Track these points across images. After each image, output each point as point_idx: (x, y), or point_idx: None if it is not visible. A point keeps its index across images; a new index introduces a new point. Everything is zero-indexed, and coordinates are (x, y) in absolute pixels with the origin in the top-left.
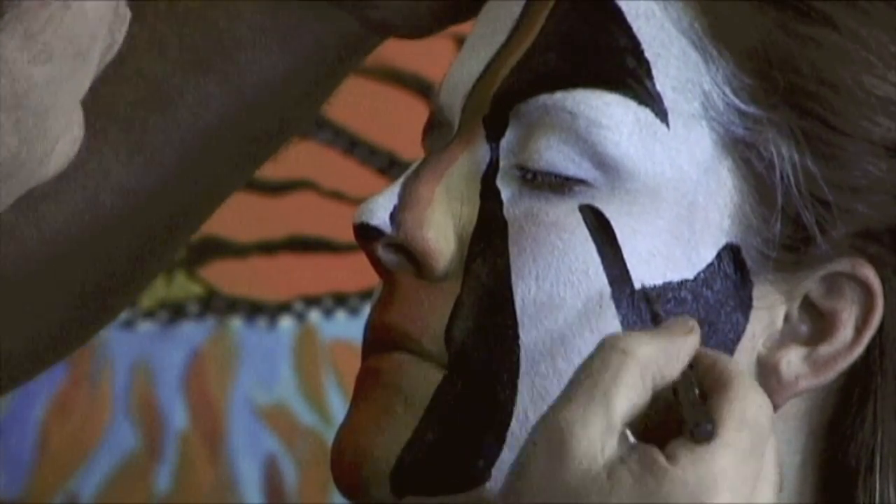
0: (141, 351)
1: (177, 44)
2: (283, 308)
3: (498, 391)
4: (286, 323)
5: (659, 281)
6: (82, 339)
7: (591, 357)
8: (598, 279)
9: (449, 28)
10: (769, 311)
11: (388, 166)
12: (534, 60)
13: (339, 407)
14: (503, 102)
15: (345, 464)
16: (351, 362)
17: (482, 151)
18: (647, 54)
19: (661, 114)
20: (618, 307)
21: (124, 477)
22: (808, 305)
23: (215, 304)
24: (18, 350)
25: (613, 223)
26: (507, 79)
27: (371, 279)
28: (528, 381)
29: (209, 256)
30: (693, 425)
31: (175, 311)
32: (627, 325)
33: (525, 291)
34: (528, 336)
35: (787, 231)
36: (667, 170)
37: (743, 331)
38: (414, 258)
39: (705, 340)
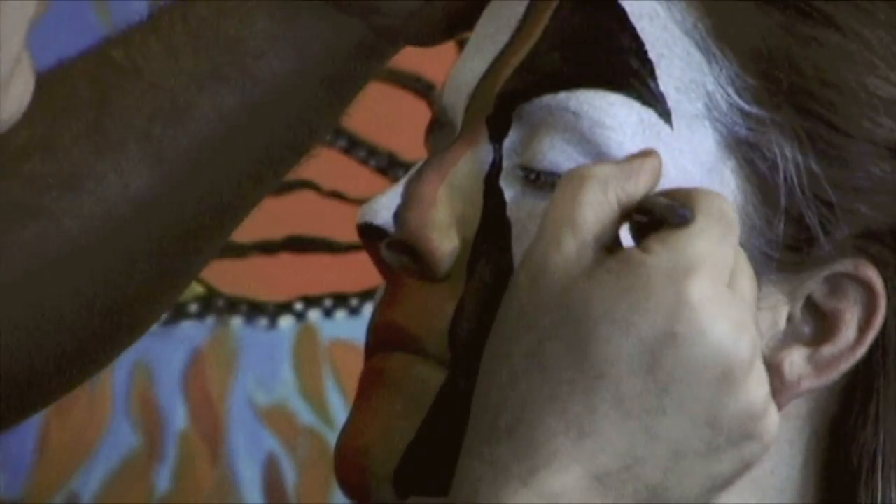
0: (141, 351)
1: (191, 54)
2: (283, 308)
3: None
4: (286, 323)
5: None
6: (107, 356)
7: (556, 188)
8: None
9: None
10: (772, 312)
11: (388, 166)
12: (537, 61)
13: (339, 407)
14: (506, 103)
15: (348, 464)
16: (351, 362)
17: (485, 151)
18: (651, 55)
19: (665, 114)
20: None
21: (124, 477)
22: (810, 306)
23: (215, 304)
24: (44, 367)
25: None
26: (511, 79)
27: (371, 279)
28: None
29: None
30: (669, 213)
31: (175, 311)
32: None
33: None
34: None
35: (790, 232)
36: (670, 170)
37: None
38: (417, 258)
39: None
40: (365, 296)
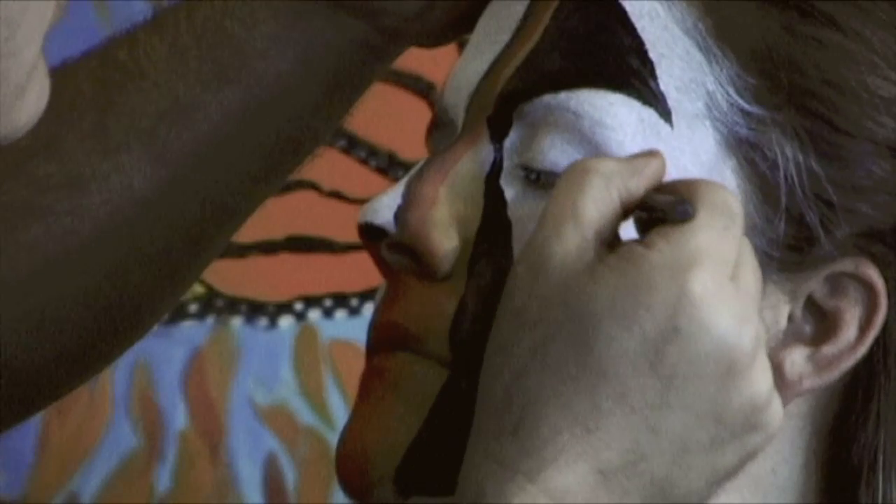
0: (141, 351)
1: (196, 55)
2: (283, 308)
3: None
4: (286, 323)
5: None
6: (110, 356)
7: (558, 181)
8: None
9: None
10: (773, 311)
11: (388, 166)
12: (538, 60)
13: (339, 407)
14: (507, 102)
15: (349, 464)
16: (351, 362)
17: (486, 151)
18: (651, 54)
19: (665, 114)
20: None
21: (124, 477)
22: (811, 305)
23: (215, 304)
24: (47, 366)
25: None
26: (511, 79)
27: (371, 279)
28: None
29: None
30: (670, 209)
31: (175, 311)
32: None
33: None
34: None
35: (790, 231)
36: (670, 170)
37: None
38: (418, 258)
39: None
40: (365, 296)
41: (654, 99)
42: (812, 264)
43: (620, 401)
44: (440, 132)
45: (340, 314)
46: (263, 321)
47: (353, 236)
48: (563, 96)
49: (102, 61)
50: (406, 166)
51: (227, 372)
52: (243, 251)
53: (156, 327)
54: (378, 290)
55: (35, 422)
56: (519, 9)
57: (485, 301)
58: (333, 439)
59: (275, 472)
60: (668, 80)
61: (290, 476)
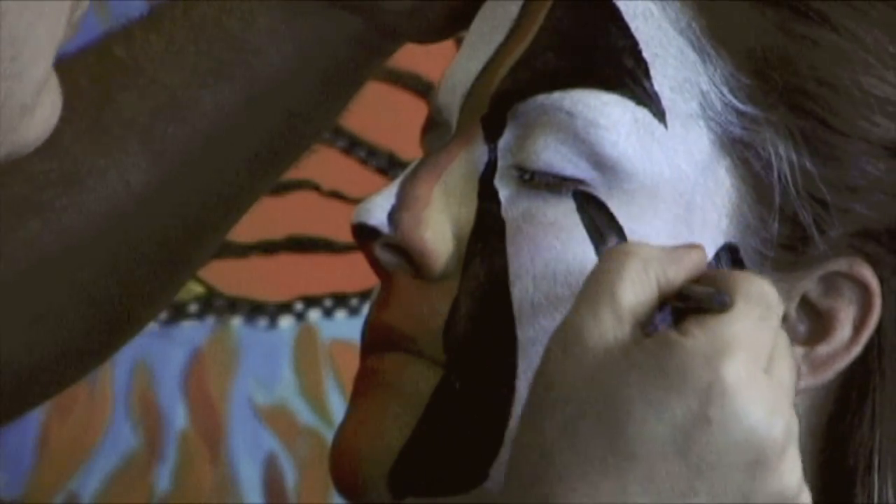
0: (141, 351)
1: (193, 51)
2: (283, 308)
3: (495, 391)
4: (286, 323)
5: None
6: (107, 351)
7: (597, 262)
8: None
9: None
10: None
11: (388, 166)
12: (532, 60)
13: (339, 407)
14: (501, 102)
15: (343, 465)
16: (351, 362)
17: (480, 151)
18: (645, 54)
19: (659, 114)
20: None
21: (124, 477)
22: (806, 305)
23: (215, 304)
24: (44, 361)
25: None
26: (506, 79)
27: (371, 279)
28: (525, 381)
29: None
30: (708, 299)
31: (175, 311)
32: None
33: (523, 291)
34: (526, 336)
35: (784, 231)
36: (665, 170)
37: None
38: (412, 258)
39: None
40: (365, 296)
41: (649, 99)
42: (806, 264)
43: (648, 485)
44: (435, 132)
45: (340, 314)
46: (263, 321)
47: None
48: (556, 96)
49: (99, 57)
50: (406, 166)
51: (227, 372)
52: (243, 251)
53: (156, 327)
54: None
55: (35, 422)
56: (513, 9)
57: (479, 301)
58: None
59: (275, 472)
60: (663, 79)
61: (289, 476)
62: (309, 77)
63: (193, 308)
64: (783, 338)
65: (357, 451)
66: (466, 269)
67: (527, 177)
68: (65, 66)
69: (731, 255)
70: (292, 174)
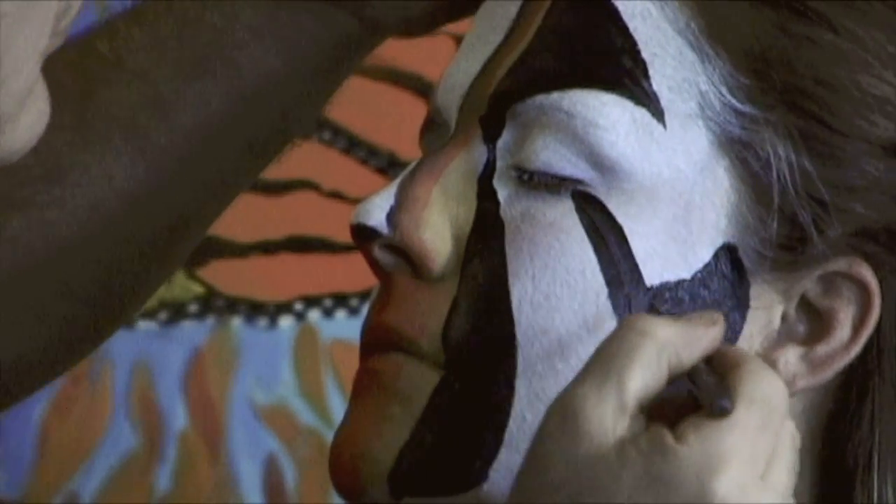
0: (141, 351)
1: (176, 46)
2: (283, 308)
3: (495, 392)
4: (286, 323)
5: (656, 281)
6: (92, 345)
7: (610, 336)
8: (594, 279)
9: (446, 26)
10: (766, 311)
11: (388, 166)
12: (530, 60)
13: (339, 407)
14: (500, 103)
15: (343, 465)
16: (351, 362)
17: (479, 152)
18: (644, 54)
19: (658, 114)
20: (614, 308)
21: (124, 477)
22: (805, 305)
23: (215, 304)
24: (28, 358)
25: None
26: (504, 79)
27: (371, 279)
28: (525, 381)
29: (209, 256)
30: (709, 402)
31: (175, 311)
32: None
33: (522, 292)
34: (525, 336)
35: (783, 231)
36: (663, 170)
37: (740, 330)
38: (411, 259)
39: None
40: (365, 296)
41: (647, 99)
42: (805, 264)
43: None
44: (434, 133)
45: (340, 314)
46: (263, 321)
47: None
48: (555, 96)
49: (82, 52)
50: (406, 166)
51: (227, 372)
52: (243, 251)
53: (156, 327)
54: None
55: (35, 422)
56: (512, 9)
57: (478, 302)
58: None
59: (275, 472)
60: (661, 79)
61: (289, 476)
62: (293, 71)
63: (193, 308)
64: (785, 440)
65: (357, 451)
66: (465, 270)
67: (526, 177)
68: (47, 61)
69: (730, 256)
70: (292, 174)
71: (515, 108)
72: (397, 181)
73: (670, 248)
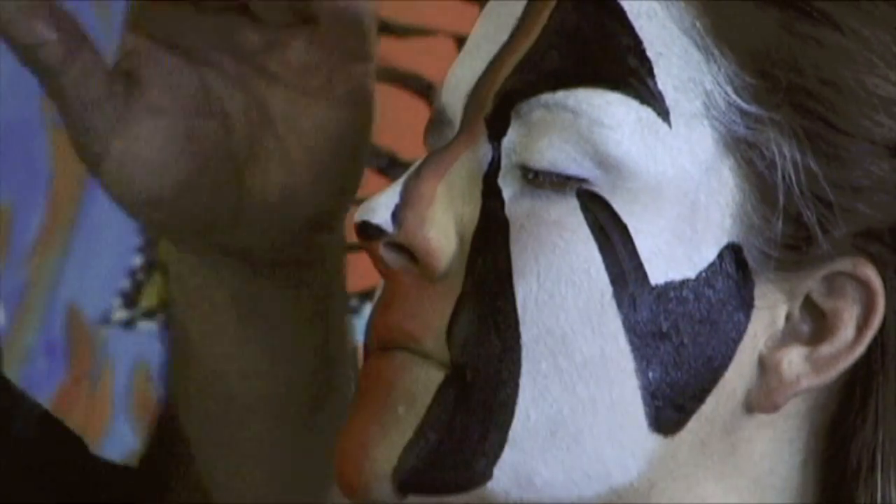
0: (141, 351)
1: None
2: None
3: (499, 390)
4: None
5: (661, 280)
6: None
7: None
8: (599, 278)
9: (446, 28)
10: (770, 311)
11: (388, 166)
12: (536, 59)
13: None
14: (505, 101)
15: (346, 464)
16: None
17: (484, 150)
18: (649, 53)
19: (663, 113)
20: (619, 306)
21: None
22: (809, 305)
23: None
24: None
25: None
26: (509, 78)
27: (371, 279)
28: (529, 379)
29: None
30: None
31: None
32: (629, 324)
33: (526, 290)
34: (530, 335)
35: (788, 230)
36: (668, 169)
37: (744, 330)
38: (415, 257)
39: (707, 340)
40: (365, 296)
41: (652, 98)
42: (810, 264)
43: None
44: (438, 131)
45: None
46: None
47: (352, 236)
48: (560, 95)
49: None
50: (406, 166)
51: None
52: None
53: (156, 327)
54: (376, 289)
55: None
56: (517, 8)
57: (482, 300)
58: None
59: None
60: (666, 79)
61: None
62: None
63: None
64: None
65: (361, 450)
66: (470, 268)
67: (531, 176)
68: None
69: (734, 255)
70: None
71: (520, 107)
72: (402, 179)
73: (675, 248)
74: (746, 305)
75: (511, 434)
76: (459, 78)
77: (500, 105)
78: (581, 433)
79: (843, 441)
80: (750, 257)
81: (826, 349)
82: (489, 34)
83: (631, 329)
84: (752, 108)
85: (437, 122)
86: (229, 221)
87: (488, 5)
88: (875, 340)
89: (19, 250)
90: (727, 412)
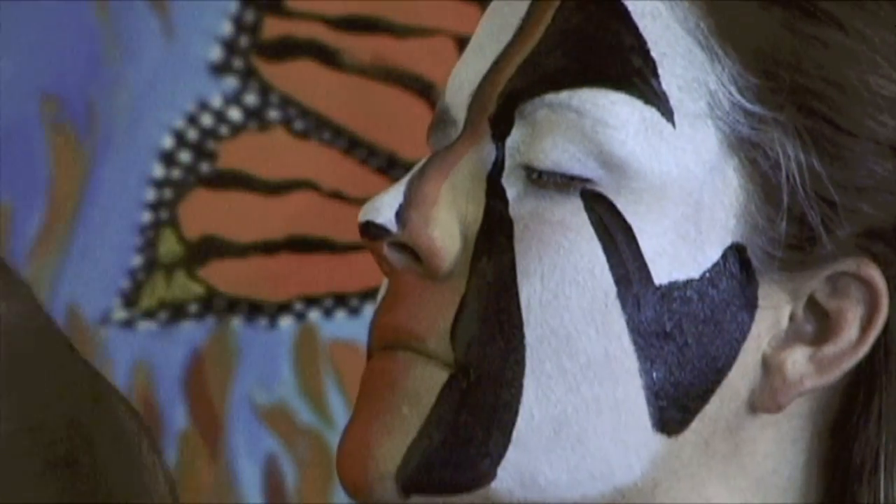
0: (141, 351)
1: None
2: (283, 308)
3: (503, 390)
4: (286, 323)
5: (665, 280)
6: None
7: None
8: (603, 278)
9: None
10: (774, 311)
11: (388, 166)
12: (540, 59)
13: (339, 407)
14: (509, 101)
15: (350, 464)
16: (351, 362)
17: (488, 150)
18: (653, 53)
19: (667, 113)
20: (623, 306)
21: None
22: (813, 305)
23: (215, 304)
24: None
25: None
26: (513, 78)
27: (372, 279)
28: (533, 380)
29: (209, 256)
30: None
31: (175, 311)
32: (633, 324)
33: (530, 290)
34: (534, 335)
35: (792, 231)
36: (672, 169)
37: (748, 330)
38: (419, 257)
39: (711, 340)
40: (365, 296)
41: (657, 98)
42: (813, 264)
43: None
44: (441, 131)
45: (340, 314)
46: (263, 321)
47: (353, 236)
48: (564, 95)
49: None
50: (406, 166)
51: (227, 372)
52: (243, 251)
53: (156, 327)
54: (379, 289)
55: None
56: (521, 8)
57: (486, 300)
58: (333, 439)
59: (275, 472)
60: (671, 79)
61: (290, 476)
62: None
63: (193, 308)
64: None
65: (364, 450)
66: (474, 268)
67: (535, 176)
68: None
69: (738, 255)
70: (292, 174)
71: (524, 107)
72: (406, 179)
73: (679, 248)
74: (750, 305)
75: (515, 434)
76: (463, 78)
77: (503, 105)
78: (585, 433)
79: (846, 441)
80: (754, 257)
81: (830, 349)
82: (493, 34)
83: (635, 329)
84: (756, 109)
85: (440, 122)
86: None
87: (492, 5)
88: (878, 341)
89: (19, 250)
90: (731, 412)
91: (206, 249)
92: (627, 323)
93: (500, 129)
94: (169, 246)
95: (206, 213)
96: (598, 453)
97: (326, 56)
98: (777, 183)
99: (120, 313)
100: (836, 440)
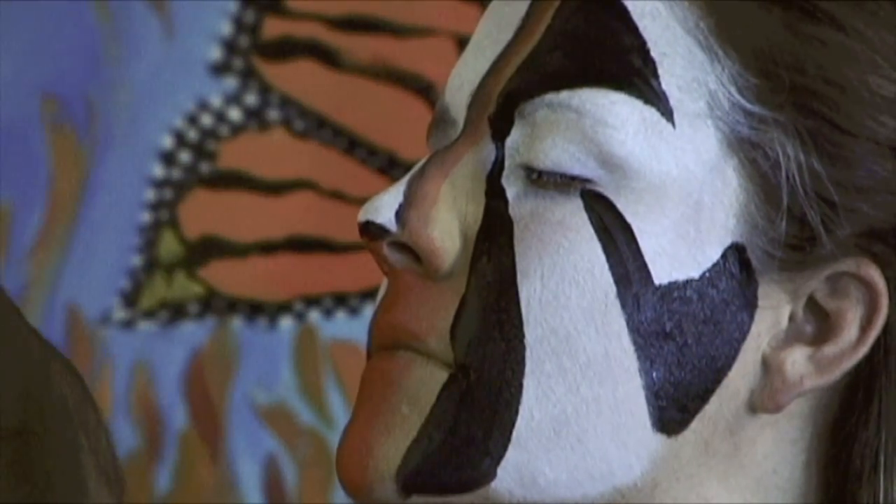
0: (141, 351)
1: None
2: (283, 308)
3: (503, 390)
4: (286, 323)
5: (665, 280)
6: None
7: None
8: (603, 278)
9: (446, 28)
10: (774, 311)
11: (388, 166)
12: (539, 59)
13: (339, 407)
14: (509, 101)
15: (350, 464)
16: (351, 362)
17: (487, 150)
18: (653, 53)
19: (667, 113)
20: (623, 306)
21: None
22: (812, 305)
23: (215, 304)
24: None
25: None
26: (513, 78)
27: (371, 279)
28: (533, 379)
29: (209, 256)
30: None
31: (175, 311)
32: (633, 324)
33: (530, 290)
34: (534, 335)
35: (792, 231)
36: (672, 169)
37: (748, 330)
38: (419, 257)
39: (710, 340)
40: (365, 296)
41: (656, 98)
42: (813, 264)
43: None
44: (441, 131)
45: (340, 314)
46: (263, 321)
47: (353, 236)
48: (564, 95)
49: None
50: (406, 166)
51: (227, 372)
52: (243, 251)
53: (156, 327)
54: (378, 289)
55: None
56: (521, 8)
57: (486, 300)
58: (333, 439)
59: (275, 472)
60: (670, 79)
61: (290, 476)
62: None
63: (193, 308)
64: None
65: (364, 449)
66: (474, 268)
67: (534, 176)
68: None
69: (738, 255)
70: (292, 174)
71: (524, 107)
72: (406, 178)
73: (679, 247)
74: (750, 305)
75: (515, 434)
76: (463, 78)
77: (503, 105)
78: (585, 433)
79: (846, 441)
80: (754, 257)
81: (829, 349)
82: (493, 34)
83: (635, 329)
84: (755, 109)
85: (440, 121)
86: None
87: (492, 5)
88: (878, 341)
89: (19, 250)
90: (730, 412)
91: (206, 250)
92: (627, 323)
93: (500, 128)
94: (169, 246)
95: (206, 214)
96: (598, 453)
97: (326, 56)
98: (777, 183)
99: (120, 313)
100: (835, 440)
